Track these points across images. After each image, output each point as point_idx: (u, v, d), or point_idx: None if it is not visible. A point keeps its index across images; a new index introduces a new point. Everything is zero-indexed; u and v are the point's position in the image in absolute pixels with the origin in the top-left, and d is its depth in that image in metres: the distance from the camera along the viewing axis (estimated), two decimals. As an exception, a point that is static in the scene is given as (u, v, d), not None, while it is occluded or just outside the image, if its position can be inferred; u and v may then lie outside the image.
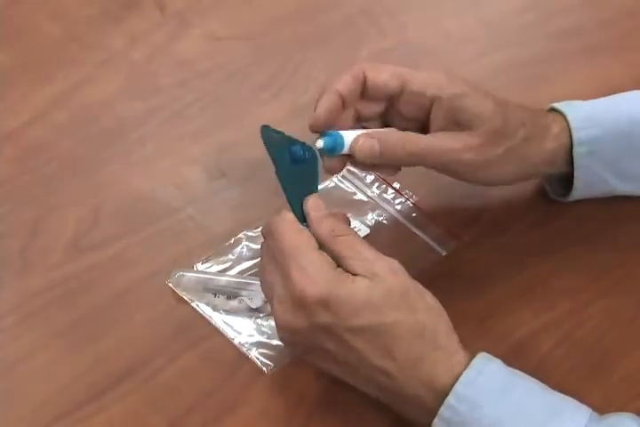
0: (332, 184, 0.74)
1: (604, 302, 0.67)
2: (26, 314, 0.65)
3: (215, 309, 0.65)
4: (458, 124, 0.61)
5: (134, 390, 0.61)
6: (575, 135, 0.65)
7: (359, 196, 0.74)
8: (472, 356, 0.54)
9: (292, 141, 0.59)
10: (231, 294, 0.65)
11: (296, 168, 0.59)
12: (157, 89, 0.82)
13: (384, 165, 0.62)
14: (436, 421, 0.53)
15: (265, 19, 0.89)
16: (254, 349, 0.63)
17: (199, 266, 0.68)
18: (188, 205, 0.72)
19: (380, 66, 0.61)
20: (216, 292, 0.66)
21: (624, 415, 0.54)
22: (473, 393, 0.52)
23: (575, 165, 0.66)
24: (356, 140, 0.59)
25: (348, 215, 0.67)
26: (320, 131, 0.59)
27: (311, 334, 0.54)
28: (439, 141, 0.61)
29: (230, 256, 0.69)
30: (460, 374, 0.53)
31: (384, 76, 0.60)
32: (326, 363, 0.56)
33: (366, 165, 0.62)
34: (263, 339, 0.64)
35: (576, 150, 0.65)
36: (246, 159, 0.76)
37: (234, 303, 0.65)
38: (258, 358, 0.63)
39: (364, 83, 0.60)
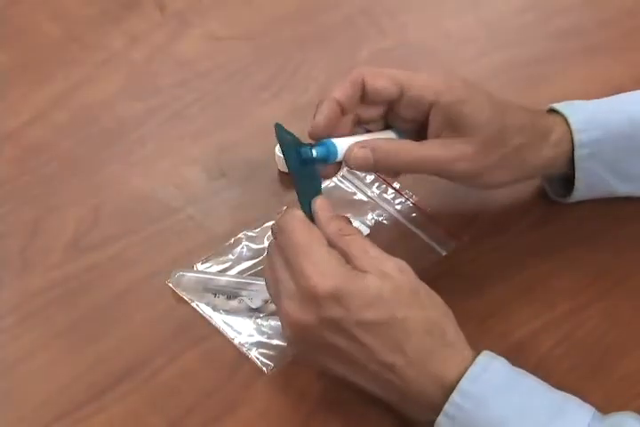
0: (332, 184, 0.74)
1: (603, 303, 0.67)
2: (26, 314, 0.65)
3: (215, 309, 0.65)
4: (454, 129, 0.61)
5: (134, 390, 0.61)
6: (576, 137, 0.65)
7: (359, 196, 0.74)
8: (477, 354, 0.55)
9: (300, 143, 0.60)
10: (231, 294, 0.65)
11: (305, 168, 0.59)
12: (157, 89, 0.82)
13: (380, 171, 0.62)
14: (440, 418, 0.53)
15: (265, 19, 0.89)
16: (254, 349, 0.63)
17: (199, 266, 0.68)
18: (187, 205, 0.72)
19: (379, 71, 0.61)
20: (216, 292, 0.66)
21: (627, 415, 0.54)
22: (478, 390, 0.53)
23: (576, 167, 0.66)
24: (349, 149, 0.60)
25: (348, 215, 0.67)
26: (320, 138, 0.60)
27: (320, 331, 0.54)
28: (433, 151, 0.61)
29: (230, 256, 0.69)
30: (466, 371, 0.53)
31: (382, 82, 0.60)
32: (332, 361, 0.56)
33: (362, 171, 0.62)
34: (263, 339, 0.64)
35: (577, 153, 0.65)
36: (246, 159, 0.76)
37: (234, 303, 0.65)
38: (258, 358, 0.63)
39: (363, 88, 0.60)
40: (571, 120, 0.65)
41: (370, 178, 0.74)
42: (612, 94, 0.70)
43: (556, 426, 0.52)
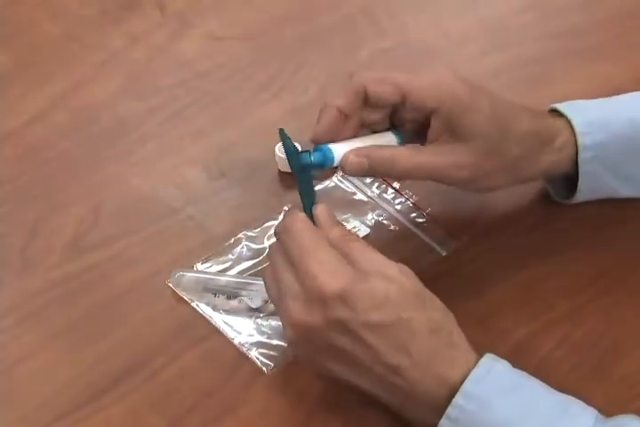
0: (332, 184, 0.74)
1: (603, 303, 0.67)
2: (26, 314, 0.65)
3: (215, 309, 0.65)
4: (452, 135, 0.61)
5: (134, 390, 0.61)
6: (580, 140, 0.65)
7: (359, 196, 0.74)
8: (479, 357, 0.55)
9: (297, 149, 0.60)
10: (231, 293, 0.65)
11: (306, 173, 0.60)
12: (157, 89, 0.82)
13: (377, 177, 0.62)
14: (443, 420, 0.53)
15: (265, 19, 0.89)
16: (254, 349, 0.63)
17: (199, 266, 0.68)
18: (187, 205, 0.72)
19: (380, 77, 0.61)
20: (216, 292, 0.66)
21: (630, 417, 0.54)
22: (481, 392, 0.52)
23: (580, 170, 0.66)
24: (345, 157, 0.60)
25: (348, 215, 0.67)
26: (321, 143, 0.60)
27: (326, 332, 0.54)
28: (429, 159, 0.61)
29: (230, 256, 0.69)
30: (469, 373, 0.53)
31: (384, 89, 0.60)
32: (336, 364, 0.56)
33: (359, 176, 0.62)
34: (263, 339, 0.64)
35: (581, 155, 0.65)
36: (246, 159, 0.76)
37: (234, 303, 0.65)
38: (258, 358, 0.63)
39: (365, 95, 0.60)
40: (574, 123, 0.65)
41: (370, 178, 0.74)
42: (612, 95, 0.70)
43: None
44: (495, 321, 0.65)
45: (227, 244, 0.69)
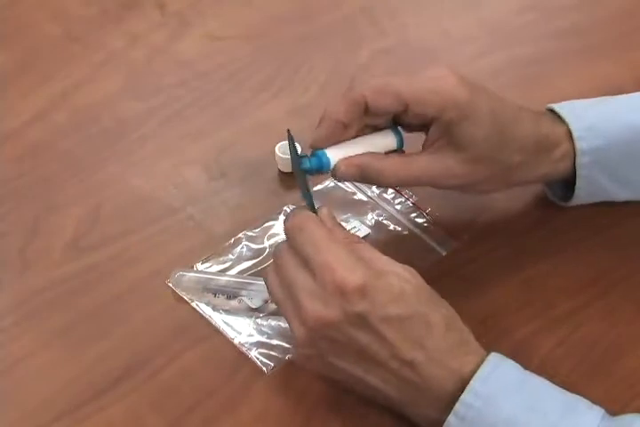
0: (332, 184, 0.74)
1: (603, 302, 0.67)
2: (26, 314, 0.65)
3: (215, 309, 0.65)
4: (449, 142, 0.61)
5: (134, 390, 0.61)
6: (578, 145, 0.65)
7: (359, 196, 0.74)
8: (486, 355, 0.55)
9: (300, 154, 0.61)
10: (231, 293, 0.65)
11: (308, 175, 0.61)
12: (157, 89, 0.82)
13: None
14: (450, 417, 0.53)
15: (265, 19, 0.89)
16: (254, 349, 0.63)
17: (199, 266, 0.68)
18: (188, 205, 0.72)
19: (381, 86, 0.60)
20: (216, 292, 0.66)
21: (636, 416, 0.54)
22: (488, 389, 0.53)
23: (577, 174, 0.66)
24: (337, 165, 0.60)
25: (348, 215, 0.67)
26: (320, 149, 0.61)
27: (343, 327, 0.54)
28: (421, 169, 0.61)
29: (230, 256, 0.69)
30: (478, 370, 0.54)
31: (385, 100, 0.60)
32: (347, 360, 0.55)
33: None
34: (263, 339, 0.64)
35: (579, 160, 0.65)
36: (246, 159, 0.76)
37: (234, 303, 0.65)
38: (258, 358, 0.63)
39: (366, 105, 0.60)
40: (573, 128, 0.65)
41: (370, 178, 0.75)
42: (612, 94, 0.70)
43: (566, 426, 0.52)
44: (495, 321, 0.65)
45: (227, 244, 0.69)
